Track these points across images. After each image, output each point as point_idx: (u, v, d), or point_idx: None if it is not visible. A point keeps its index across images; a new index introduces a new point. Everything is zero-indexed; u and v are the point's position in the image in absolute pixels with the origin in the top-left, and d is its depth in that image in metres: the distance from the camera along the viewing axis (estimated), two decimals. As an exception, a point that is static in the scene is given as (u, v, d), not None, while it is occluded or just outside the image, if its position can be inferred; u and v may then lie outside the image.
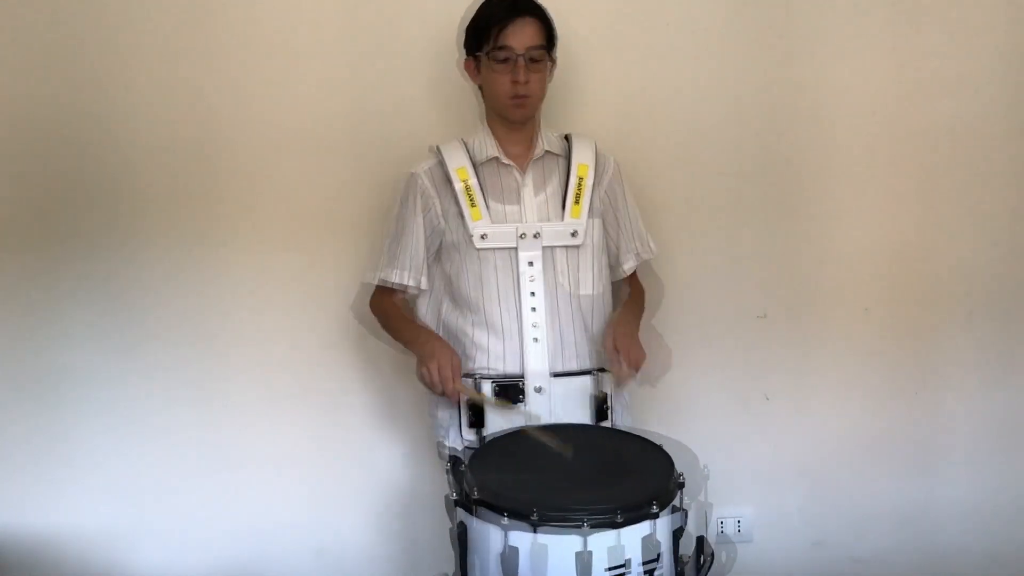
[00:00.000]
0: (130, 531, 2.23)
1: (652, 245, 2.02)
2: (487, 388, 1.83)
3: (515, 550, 1.43)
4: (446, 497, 1.62)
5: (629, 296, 2.02)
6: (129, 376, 2.18)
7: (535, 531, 1.43)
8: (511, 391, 1.82)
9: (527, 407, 1.82)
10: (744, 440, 2.39)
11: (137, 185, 2.15)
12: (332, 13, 2.16)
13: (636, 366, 1.81)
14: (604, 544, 1.42)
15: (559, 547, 1.42)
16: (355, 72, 2.18)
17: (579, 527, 1.41)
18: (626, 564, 1.44)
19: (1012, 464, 2.46)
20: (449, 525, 1.59)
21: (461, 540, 1.54)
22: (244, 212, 2.19)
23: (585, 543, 1.41)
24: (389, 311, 1.95)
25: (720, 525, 2.39)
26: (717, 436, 2.26)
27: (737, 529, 2.42)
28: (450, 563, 1.61)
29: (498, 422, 1.82)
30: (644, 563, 1.45)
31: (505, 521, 1.45)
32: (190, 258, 2.17)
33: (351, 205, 2.21)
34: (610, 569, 1.43)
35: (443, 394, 1.78)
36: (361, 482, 2.30)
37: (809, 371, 2.40)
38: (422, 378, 1.79)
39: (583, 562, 1.41)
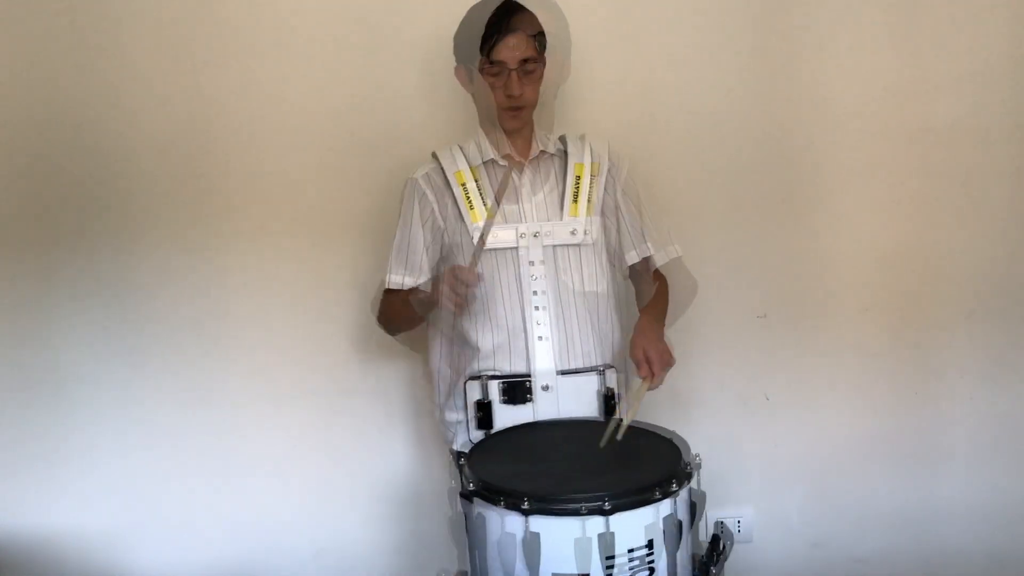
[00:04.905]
0: (130, 531, 2.23)
1: (676, 247, 2.00)
2: (494, 388, 1.83)
3: (511, 536, 1.43)
4: (449, 489, 1.61)
5: (653, 294, 1.98)
6: (130, 377, 2.18)
7: (527, 518, 1.42)
8: (518, 391, 1.83)
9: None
10: (744, 440, 2.39)
11: (139, 186, 2.15)
12: (332, 14, 2.16)
13: (662, 375, 1.77)
14: (596, 531, 1.42)
15: (555, 534, 1.42)
16: (361, 72, 2.18)
17: (576, 513, 1.40)
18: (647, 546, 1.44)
19: (1012, 464, 2.46)
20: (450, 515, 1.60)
21: (465, 530, 1.54)
22: (247, 214, 2.19)
23: (584, 528, 1.41)
24: (390, 307, 1.93)
25: (720, 526, 2.40)
26: (717, 436, 2.26)
27: (737, 529, 2.42)
28: (450, 560, 1.61)
29: (506, 421, 1.82)
30: (630, 550, 1.44)
31: (502, 508, 1.44)
32: (192, 259, 2.17)
33: (354, 206, 2.21)
34: (608, 558, 1.42)
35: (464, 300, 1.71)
36: (361, 482, 2.30)
37: (809, 371, 2.40)
38: (449, 300, 1.70)
39: (582, 549, 1.41)
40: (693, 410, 2.32)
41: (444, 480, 2.21)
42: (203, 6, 2.12)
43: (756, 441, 2.40)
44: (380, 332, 2.00)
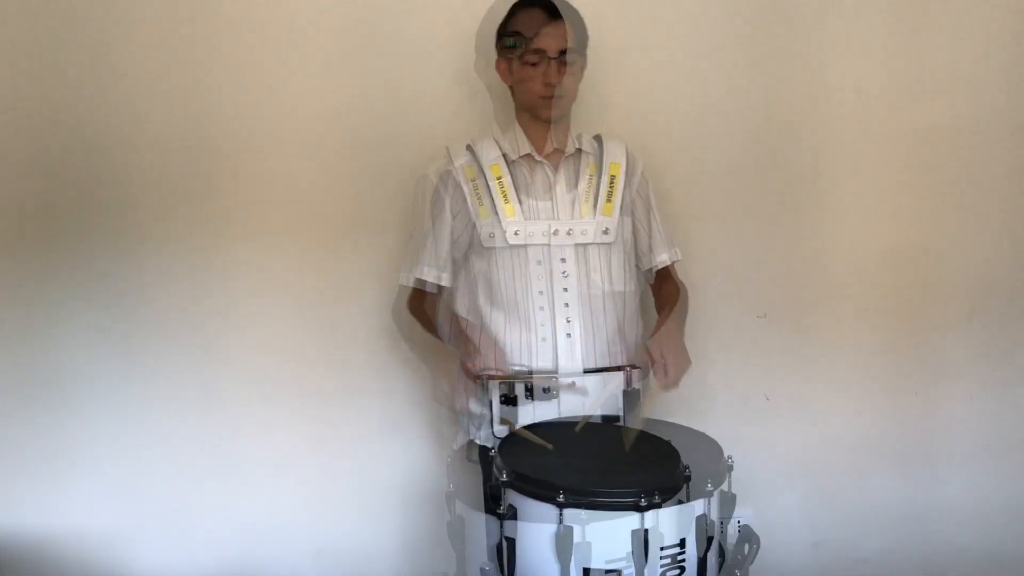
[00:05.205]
0: (130, 531, 2.22)
1: (676, 250, 2.04)
2: (520, 384, 1.82)
3: (545, 529, 1.42)
4: (448, 493, 1.61)
5: (668, 296, 2.00)
6: (130, 377, 2.18)
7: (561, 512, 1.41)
8: (543, 386, 1.83)
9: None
10: (744, 440, 2.36)
11: (141, 186, 2.14)
12: (334, 14, 2.16)
13: (677, 376, 1.79)
14: (631, 527, 1.41)
15: (590, 528, 1.41)
16: (364, 70, 2.17)
17: (614, 508, 1.40)
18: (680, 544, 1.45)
19: (1012, 464, 2.46)
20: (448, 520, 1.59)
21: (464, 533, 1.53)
22: (249, 214, 2.18)
23: (643, 519, 1.40)
24: (425, 316, 1.93)
25: (721, 525, 2.40)
26: (716, 436, 2.25)
27: (737, 529, 2.41)
28: (449, 563, 1.61)
29: (529, 418, 1.81)
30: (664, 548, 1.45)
31: (559, 499, 1.42)
32: (194, 259, 2.17)
33: (357, 207, 2.21)
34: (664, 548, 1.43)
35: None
36: (361, 482, 2.30)
37: (809, 371, 2.40)
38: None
39: (617, 544, 1.40)
40: (693, 410, 2.31)
41: (444, 481, 2.21)
42: (206, 5, 2.12)
43: (756, 441, 2.39)
44: (382, 333, 2.01)
